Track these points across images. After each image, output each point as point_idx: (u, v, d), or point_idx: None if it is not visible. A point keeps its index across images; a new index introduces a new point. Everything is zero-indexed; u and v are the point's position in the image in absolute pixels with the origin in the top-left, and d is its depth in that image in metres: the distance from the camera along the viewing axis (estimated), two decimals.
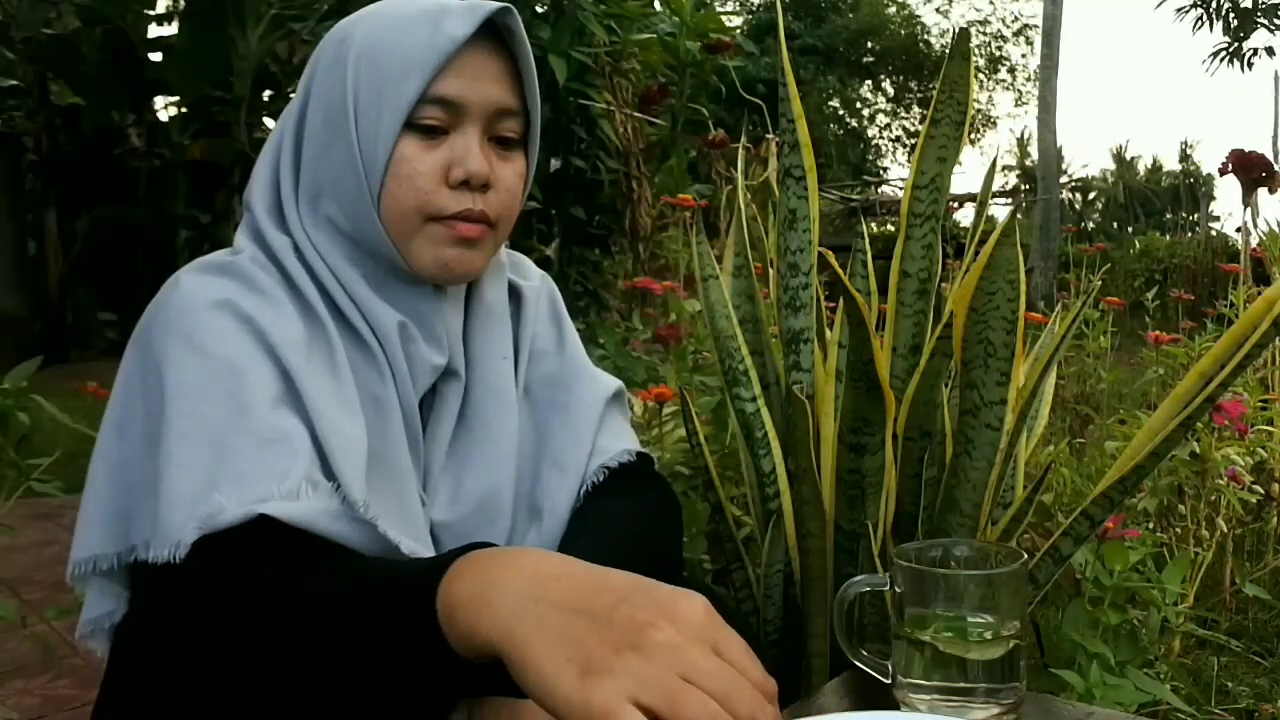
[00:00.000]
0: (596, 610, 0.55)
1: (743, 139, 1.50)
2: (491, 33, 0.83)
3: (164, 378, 0.75)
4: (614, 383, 1.00)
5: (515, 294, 0.96)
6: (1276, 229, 2.86)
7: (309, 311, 0.81)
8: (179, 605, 0.70)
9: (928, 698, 0.81)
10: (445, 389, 0.87)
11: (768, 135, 2.66)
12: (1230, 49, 12.85)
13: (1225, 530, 1.90)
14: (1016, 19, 27.20)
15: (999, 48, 24.91)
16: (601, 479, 0.93)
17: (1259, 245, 3.01)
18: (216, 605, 0.69)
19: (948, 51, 1.13)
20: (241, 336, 0.76)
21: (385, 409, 0.82)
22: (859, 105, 25.38)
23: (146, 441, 0.75)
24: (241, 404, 0.74)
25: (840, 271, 1.08)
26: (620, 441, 0.97)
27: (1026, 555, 0.85)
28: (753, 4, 21.45)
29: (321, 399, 0.77)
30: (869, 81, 25.25)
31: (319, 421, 0.76)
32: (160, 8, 8.02)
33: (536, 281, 0.99)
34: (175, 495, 0.71)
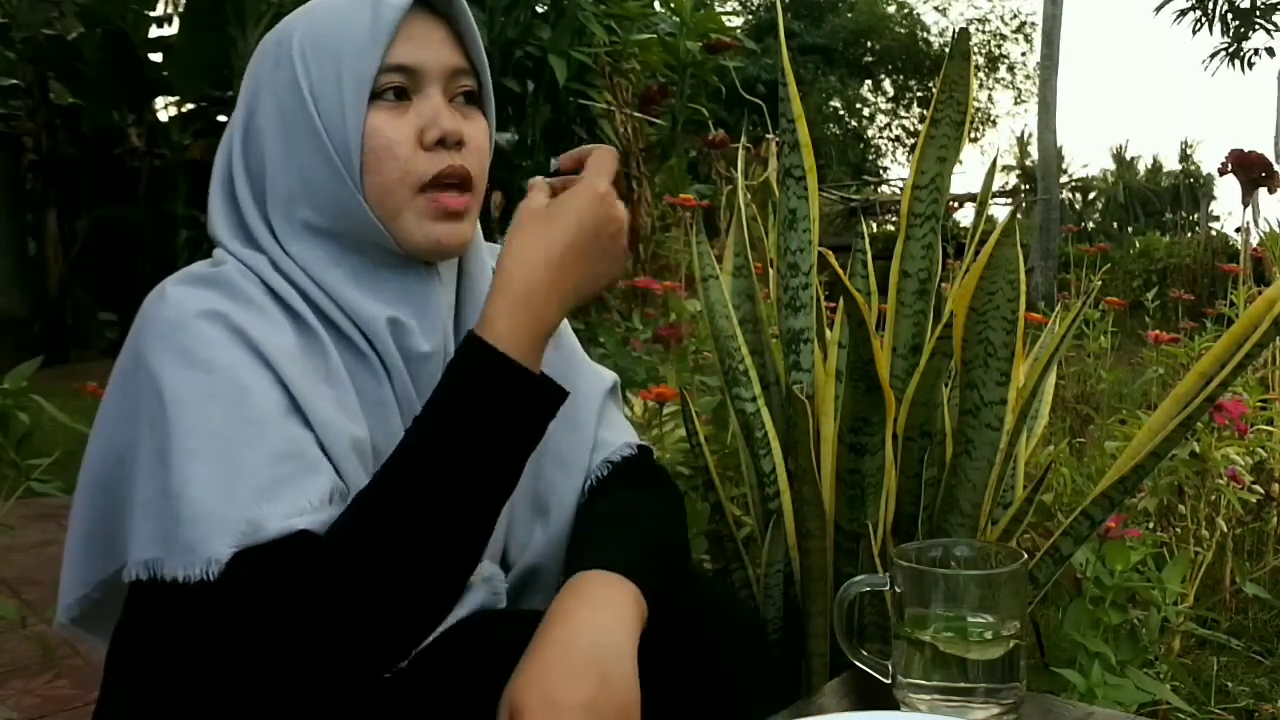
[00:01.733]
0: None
1: (743, 139, 1.50)
2: (427, 2, 0.84)
3: (164, 395, 0.73)
4: (610, 375, 1.00)
5: None
6: (1276, 229, 2.86)
7: (298, 320, 0.80)
8: (222, 619, 0.70)
9: (928, 698, 0.81)
10: None
11: (768, 135, 2.66)
12: (1230, 49, 12.85)
13: (1225, 530, 1.90)
14: (1015, 16, 27.22)
15: (998, 46, 24.91)
16: (605, 473, 0.94)
17: (1259, 245, 3.01)
18: (267, 616, 0.69)
19: (948, 51, 1.13)
20: (237, 349, 0.76)
21: (386, 410, 0.82)
22: (859, 105, 25.37)
23: (151, 460, 0.73)
24: (251, 417, 0.73)
25: (840, 271, 1.08)
26: (620, 435, 0.97)
27: (1026, 555, 0.85)
28: (753, 4, 21.45)
29: (322, 408, 0.77)
30: (869, 81, 25.23)
31: (323, 431, 0.76)
32: (160, 8, 8.02)
33: None
34: (197, 512, 0.70)
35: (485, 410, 0.75)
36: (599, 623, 0.74)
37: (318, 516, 0.72)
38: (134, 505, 0.73)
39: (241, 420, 0.73)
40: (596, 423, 0.95)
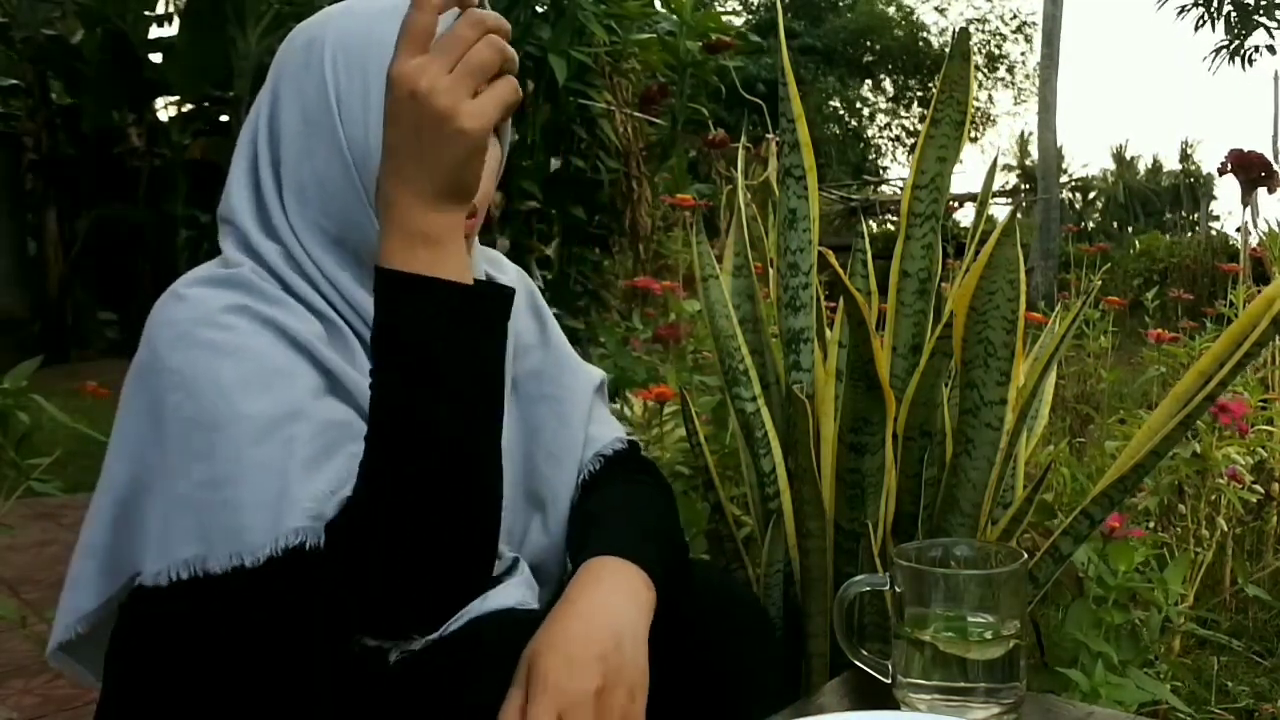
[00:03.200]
0: None
1: (743, 139, 1.50)
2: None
3: (197, 389, 0.72)
4: (597, 373, 1.02)
5: None
6: (1276, 229, 2.86)
7: (320, 314, 0.81)
8: (279, 602, 0.71)
9: (928, 697, 0.81)
10: None
11: (768, 135, 2.65)
12: (1231, 47, 12.85)
13: (1226, 530, 1.90)
14: (1015, 16, 27.22)
15: (998, 45, 24.90)
16: (597, 467, 0.95)
17: (1258, 245, 3.01)
18: (332, 588, 0.71)
19: (948, 51, 1.13)
20: (268, 335, 0.75)
21: None
22: (859, 105, 25.36)
23: (188, 458, 0.72)
24: (291, 399, 0.73)
25: (840, 271, 1.08)
26: (610, 430, 0.99)
27: (1026, 555, 0.85)
28: (753, 3, 21.46)
29: (359, 386, 0.77)
30: (869, 81, 25.23)
31: (361, 403, 0.76)
32: (160, 8, 8.02)
33: (513, 276, 0.99)
34: (248, 500, 0.70)
35: (403, 328, 0.72)
36: (614, 603, 0.77)
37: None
38: (169, 505, 0.72)
39: (282, 403, 0.73)
40: (587, 418, 0.97)
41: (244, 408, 0.72)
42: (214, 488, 0.71)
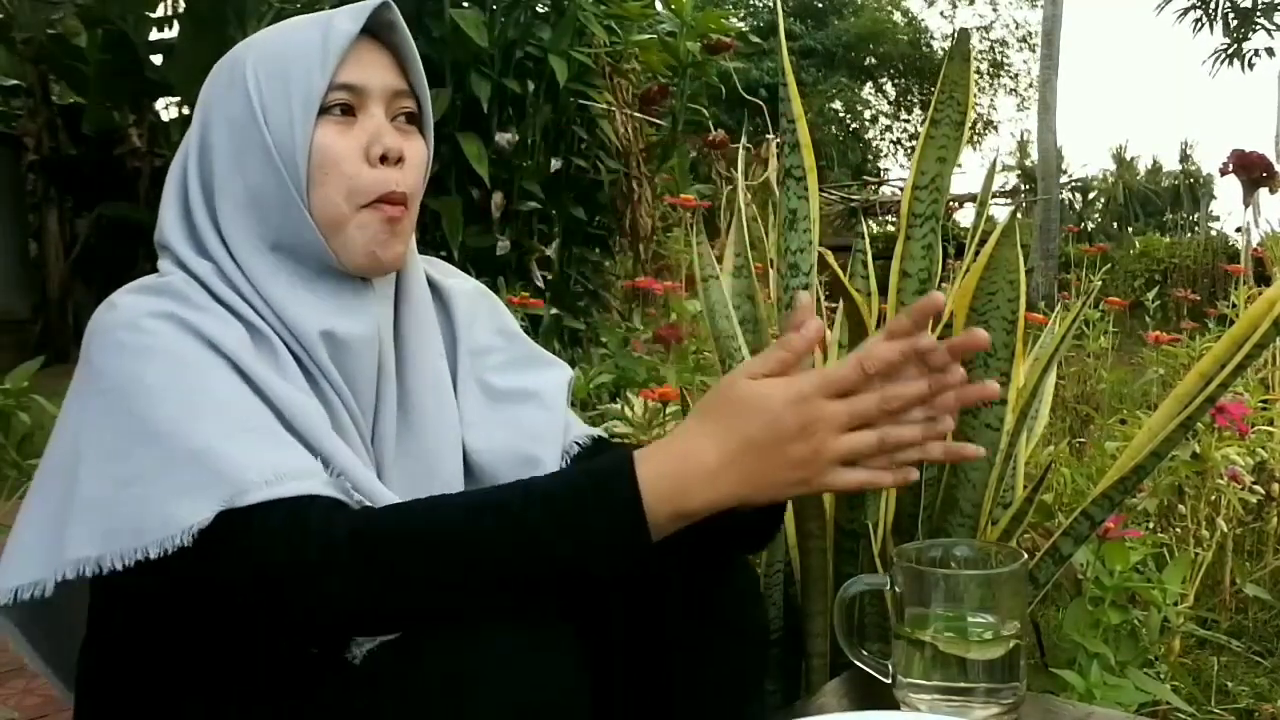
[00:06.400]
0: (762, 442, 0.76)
1: (743, 139, 1.51)
2: (372, 30, 0.87)
3: (123, 392, 0.75)
4: (568, 368, 1.03)
5: (435, 290, 0.98)
6: (1277, 230, 2.86)
7: (247, 324, 0.83)
8: (199, 581, 0.72)
9: (928, 698, 0.81)
10: (383, 388, 0.89)
11: (768, 136, 2.66)
12: (1231, 50, 12.86)
13: (1225, 530, 1.90)
14: (1020, 25, 27.20)
15: (1002, 53, 24.87)
16: (576, 452, 0.97)
17: (1259, 245, 3.01)
18: (242, 580, 0.72)
19: (948, 53, 1.14)
20: (192, 341, 0.78)
21: (333, 412, 0.84)
22: (860, 107, 25.34)
23: (108, 458, 0.74)
24: (214, 400, 0.75)
25: (840, 272, 1.08)
26: (582, 426, 1.01)
27: (1026, 555, 0.85)
28: (754, 4, 21.46)
29: (282, 387, 0.79)
30: (870, 84, 25.21)
31: (286, 407, 0.78)
32: (161, 10, 8.02)
33: (463, 283, 1.01)
34: (160, 491, 0.72)
35: (587, 531, 0.74)
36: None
37: (289, 486, 0.73)
38: (79, 505, 0.73)
39: (205, 403, 0.75)
40: (564, 408, 0.99)
41: (164, 409, 0.74)
42: (125, 485, 0.72)
